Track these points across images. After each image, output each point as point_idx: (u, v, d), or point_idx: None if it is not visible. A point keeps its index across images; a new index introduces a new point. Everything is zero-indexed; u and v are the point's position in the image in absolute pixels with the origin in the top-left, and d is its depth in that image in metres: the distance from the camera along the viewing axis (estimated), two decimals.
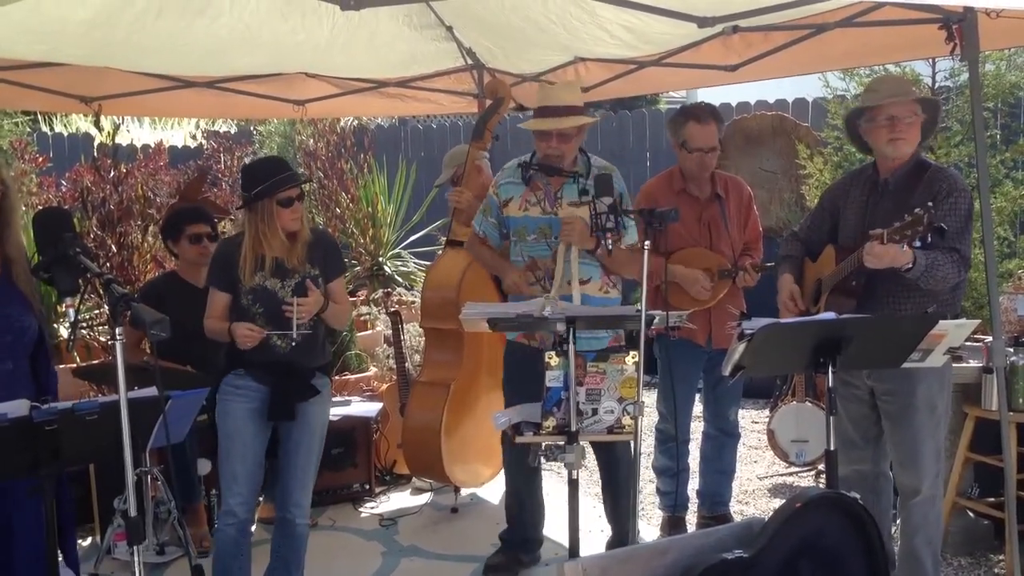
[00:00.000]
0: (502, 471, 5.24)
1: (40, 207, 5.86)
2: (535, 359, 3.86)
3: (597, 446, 3.99)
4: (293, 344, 3.44)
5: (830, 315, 3.05)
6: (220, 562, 3.41)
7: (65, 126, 12.21)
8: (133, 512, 2.46)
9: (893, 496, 3.75)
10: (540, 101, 3.94)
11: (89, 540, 4.64)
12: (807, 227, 3.83)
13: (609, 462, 4.08)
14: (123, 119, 10.36)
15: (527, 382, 3.74)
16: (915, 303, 3.38)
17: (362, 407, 5.48)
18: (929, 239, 3.07)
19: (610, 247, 3.46)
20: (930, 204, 3.08)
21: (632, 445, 3.27)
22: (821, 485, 5.25)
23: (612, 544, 4.23)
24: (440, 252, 5.00)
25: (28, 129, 9.36)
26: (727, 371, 3.03)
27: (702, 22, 3.79)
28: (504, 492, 4.38)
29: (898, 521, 3.69)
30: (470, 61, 5.59)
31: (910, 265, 3.20)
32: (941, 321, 2.99)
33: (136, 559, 2.42)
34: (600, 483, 4.30)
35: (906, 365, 3.10)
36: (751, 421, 6.57)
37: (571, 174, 3.88)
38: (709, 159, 4.29)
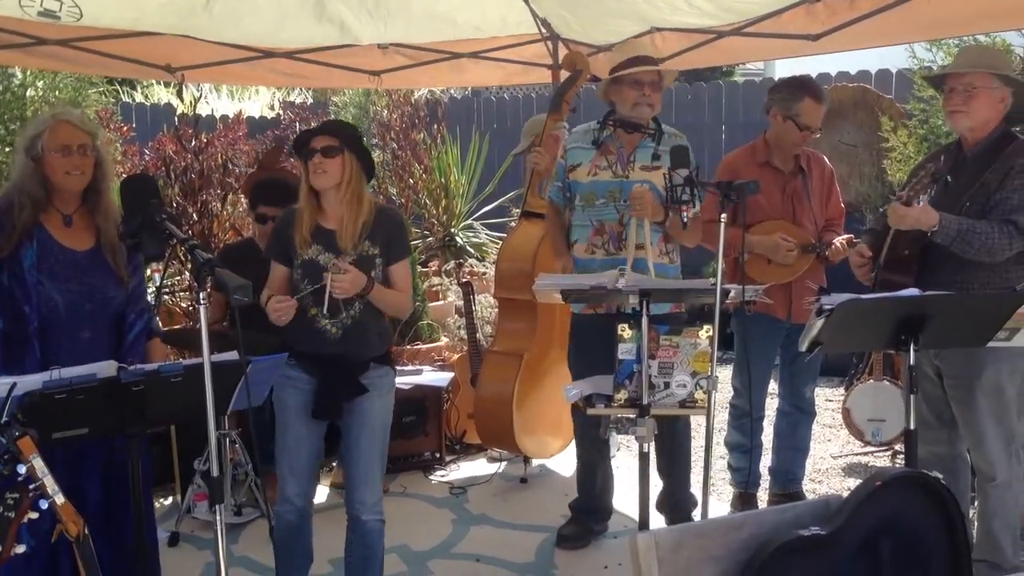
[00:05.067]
0: (571, 443, 5.28)
1: (125, 175, 6.02)
2: (602, 327, 3.87)
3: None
4: (346, 326, 3.20)
5: (913, 291, 2.97)
6: (282, 542, 3.35)
7: (146, 96, 12.48)
8: (215, 473, 2.51)
9: (971, 478, 3.67)
10: (624, 54, 3.94)
11: (170, 500, 4.79)
12: None
13: (666, 432, 4.02)
14: (201, 90, 10.58)
15: (594, 351, 3.75)
16: (981, 280, 3.31)
17: (433, 377, 5.53)
18: (932, 193, 3.21)
19: (686, 220, 3.44)
20: (942, 158, 3.26)
21: (706, 420, 3.24)
22: (898, 465, 5.15)
23: (661, 499, 4.27)
24: (515, 223, 5.00)
25: (112, 100, 9.58)
26: (804, 347, 2.99)
27: None
28: (576, 463, 4.40)
29: (975, 504, 3.61)
30: (544, 31, 5.55)
31: (935, 227, 3.19)
32: None
33: (218, 518, 2.48)
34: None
35: (992, 344, 3.02)
36: (825, 399, 6.46)
37: (650, 131, 3.88)
38: (811, 139, 4.24)
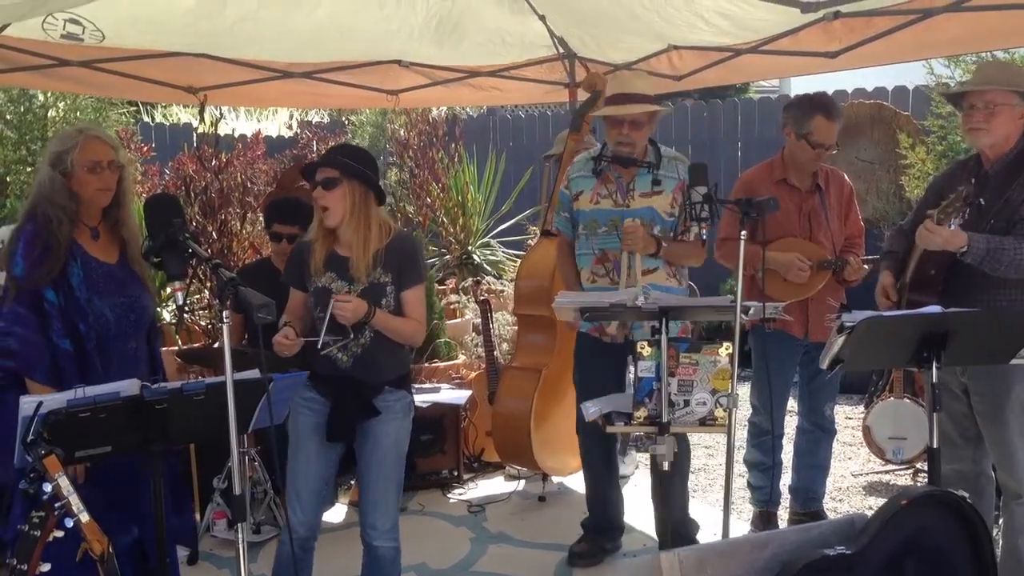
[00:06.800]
0: None
1: (145, 195, 6.07)
2: (605, 354, 3.89)
3: None
4: (356, 355, 3.16)
5: (935, 308, 2.96)
6: (276, 571, 3.31)
7: (165, 117, 12.59)
8: (238, 491, 2.51)
9: (996, 497, 3.63)
10: (612, 89, 3.98)
11: None
12: (912, 220, 3.71)
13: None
14: (221, 110, 10.68)
15: (596, 375, 3.76)
16: (1009, 299, 3.28)
17: (451, 395, 5.52)
18: (965, 216, 3.18)
19: (703, 236, 3.44)
20: (973, 181, 3.21)
21: (727, 438, 3.23)
22: (920, 483, 5.10)
23: (659, 527, 4.14)
24: (534, 241, 5.03)
25: (132, 120, 9.68)
26: (825, 364, 2.98)
27: (805, 7, 3.72)
28: (584, 482, 4.38)
29: (1000, 522, 3.57)
30: (561, 50, 5.57)
31: (964, 248, 3.15)
32: None
33: (240, 536, 2.48)
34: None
35: (1015, 361, 3.00)
36: (845, 417, 6.42)
37: (645, 164, 3.89)
38: (826, 156, 4.21)
